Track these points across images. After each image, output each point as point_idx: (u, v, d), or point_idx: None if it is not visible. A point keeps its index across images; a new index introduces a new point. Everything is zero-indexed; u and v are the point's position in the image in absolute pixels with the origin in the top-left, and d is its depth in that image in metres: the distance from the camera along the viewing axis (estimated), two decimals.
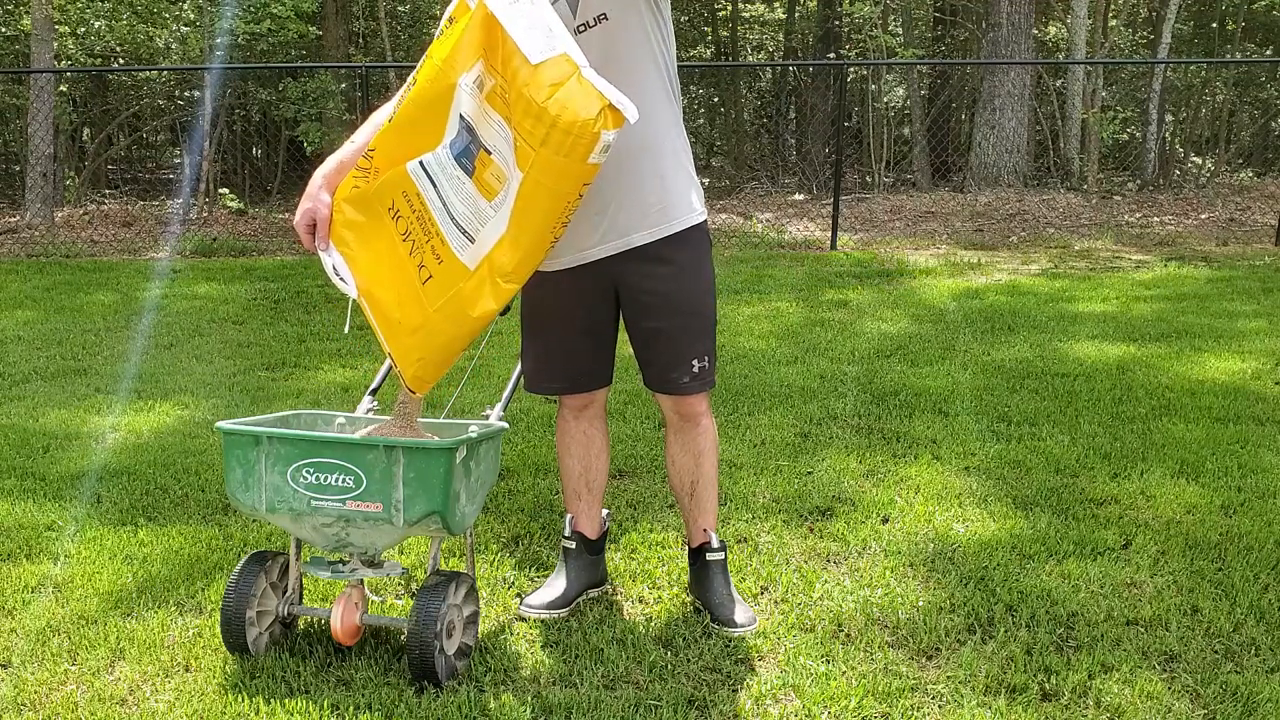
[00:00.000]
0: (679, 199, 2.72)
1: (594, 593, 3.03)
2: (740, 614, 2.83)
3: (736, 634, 2.78)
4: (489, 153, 2.42)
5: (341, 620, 2.60)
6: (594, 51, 2.52)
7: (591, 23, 2.56)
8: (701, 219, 2.78)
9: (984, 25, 13.83)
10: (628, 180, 2.66)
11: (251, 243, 10.17)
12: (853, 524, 3.49)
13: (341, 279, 2.60)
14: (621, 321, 2.87)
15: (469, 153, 2.45)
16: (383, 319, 2.60)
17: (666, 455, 2.95)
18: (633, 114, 2.33)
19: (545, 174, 2.35)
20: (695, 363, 2.78)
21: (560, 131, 2.29)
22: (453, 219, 2.48)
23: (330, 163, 2.70)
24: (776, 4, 20.09)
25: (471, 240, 2.46)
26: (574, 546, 3.01)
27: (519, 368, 3.06)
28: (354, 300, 2.62)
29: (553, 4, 2.52)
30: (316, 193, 2.65)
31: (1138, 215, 11.56)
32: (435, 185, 2.49)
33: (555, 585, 2.96)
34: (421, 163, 2.49)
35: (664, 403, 2.86)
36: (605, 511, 3.12)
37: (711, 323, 2.82)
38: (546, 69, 2.31)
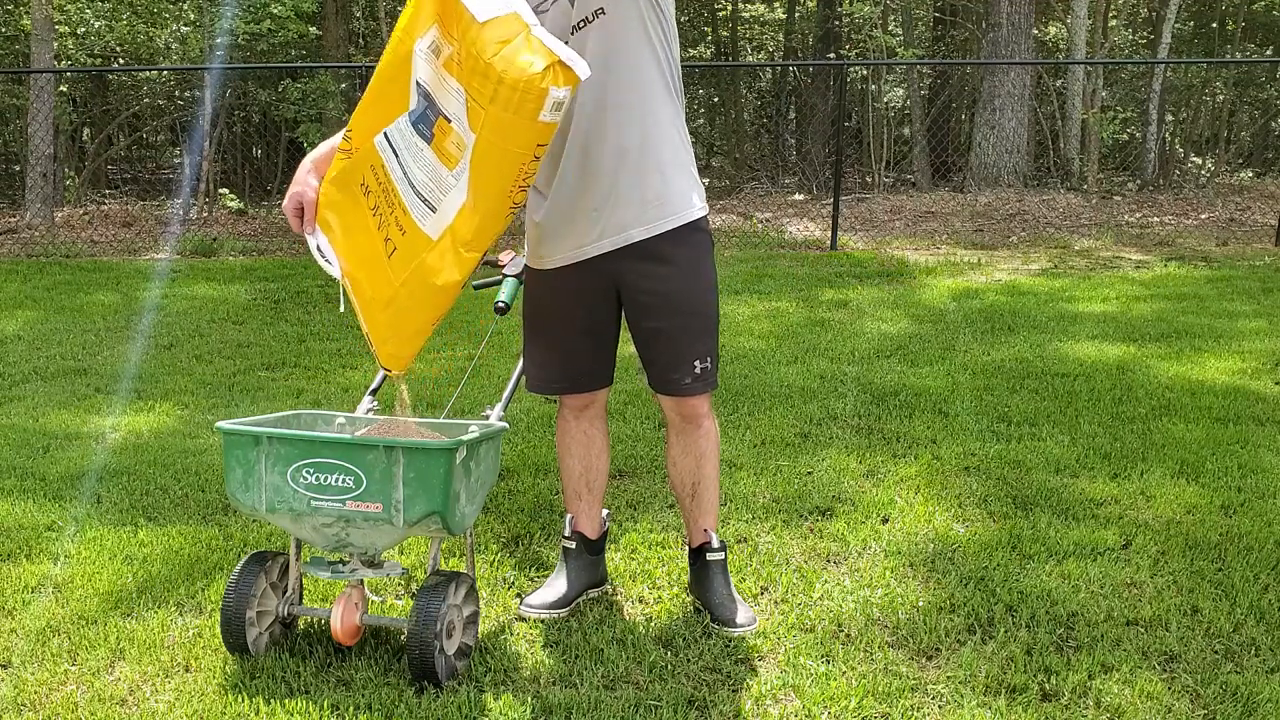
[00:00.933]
0: (678, 196, 2.71)
1: (594, 593, 3.03)
2: (740, 614, 2.83)
3: (736, 634, 2.78)
4: (448, 120, 2.38)
5: (341, 620, 2.60)
6: (592, 46, 2.52)
7: (590, 18, 2.56)
8: (701, 214, 2.76)
9: (984, 25, 13.83)
10: (626, 176, 2.65)
11: (251, 243, 10.17)
12: (853, 524, 3.49)
13: (326, 260, 2.59)
14: (624, 321, 2.87)
15: (426, 119, 2.41)
16: (361, 298, 2.58)
17: (667, 456, 2.95)
18: (583, 71, 2.30)
19: (496, 133, 2.31)
20: (697, 363, 2.77)
21: (507, 88, 2.25)
22: (414, 189, 2.45)
23: (321, 148, 2.71)
24: (776, 4, 20.09)
25: (433, 210, 2.44)
26: (574, 546, 3.01)
27: (519, 368, 3.06)
28: (341, 282, 2.61)
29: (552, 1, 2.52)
30: (304, 177, 2.66)
31: (1138, 215, 11.56)
32: (398, 156, 2.46)
33: (555, 585, 2.96)
34: (385, 134, 2.47)
35: (665, 403, 2.86)
36: (605, 512, 3.12)
37: (713, 323, 2.81)
38: (494, 27, 2.28)
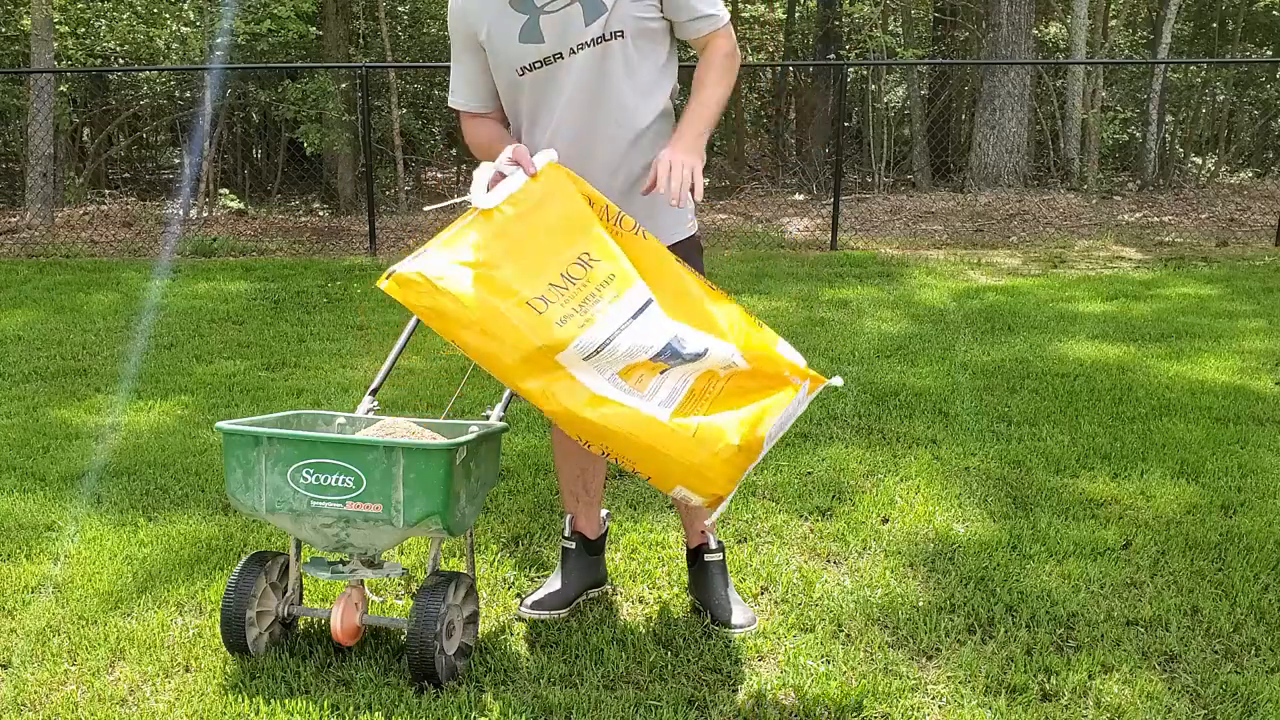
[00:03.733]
0: (672, 216, 2.76)
1: (594, 593, 3.03)
2: (739, 615, 2.83)
3: (736, 634, 2.78)
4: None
5: (341, 621, 2.60)
6: (612, 65, 2.60)
7: (607, 37, 2.59)
8: (691, 234, 2.82)
9: (984, 25, 13.83)
10: (633, 200, 2.69)
11: (251, 243, 10.17)
12: (853, 524, 3.49)
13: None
14: None
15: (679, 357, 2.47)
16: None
17: None
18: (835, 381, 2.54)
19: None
20: None
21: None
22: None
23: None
24: (776, 4, 20.08)
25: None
26: (574, 547, 3.01)
27: None
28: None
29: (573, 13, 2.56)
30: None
31: (1138, 215, 11.56)
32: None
33: (555, 585, 2.96)
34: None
35: None
36: (605, 512, 3.12)
37: None
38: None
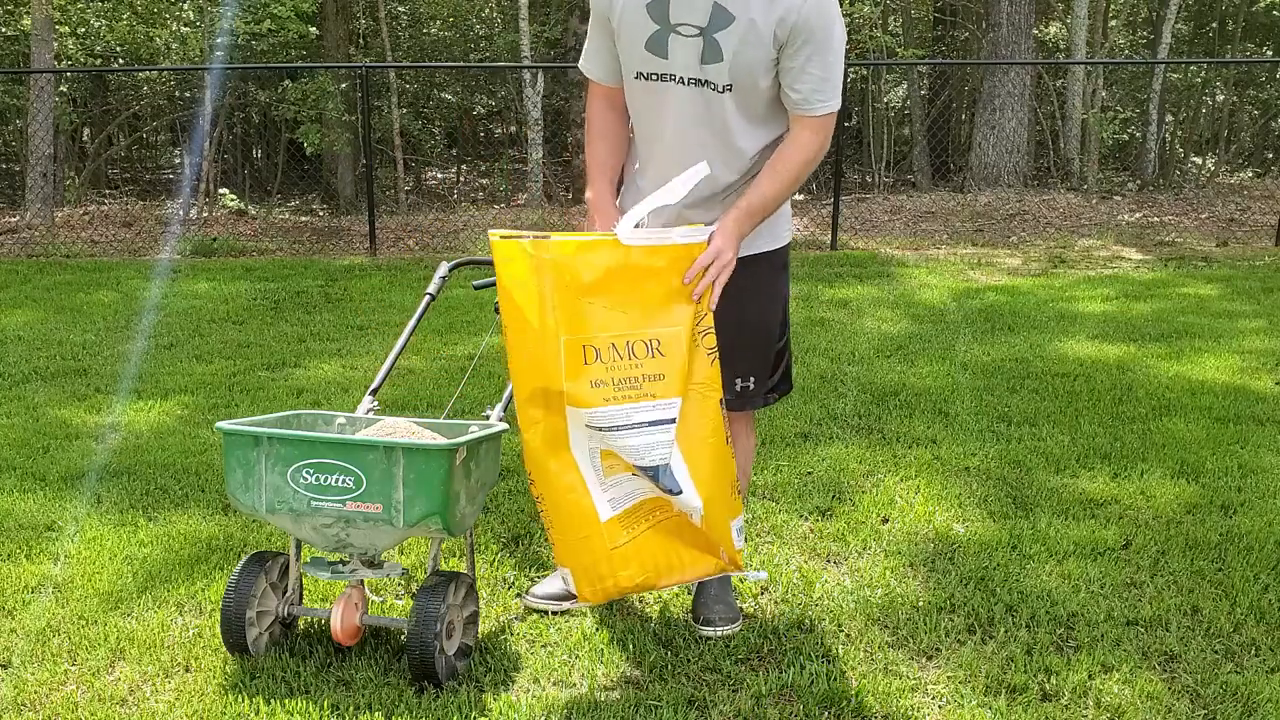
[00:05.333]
0: (780, 221, 2.76)
1: None
2: (718, 615, 2.82)
3: (708, 634, 2.78)
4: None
5: (341, 621, 2.60)
6: (718, 105, 2.57)
7: (719, 89, 2.56)
8: (785, 243, 2.80)
9: (984, 25, 13.83)
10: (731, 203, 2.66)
11: (251, 243, 10.17)
12: (853, 524, 3.49)
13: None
14: None
15: None
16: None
17: None
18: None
19: None
20: (739, 381, 2.76)
21: None
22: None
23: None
24: None
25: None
26: None
27: None
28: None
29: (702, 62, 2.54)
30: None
31: (1138, 215, 11.56)
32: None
33: (560, 577, 2.96)
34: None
35: None
36: None
37: (768, 346, 2.80)
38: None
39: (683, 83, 2.57)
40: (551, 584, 2.98)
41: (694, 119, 2.59)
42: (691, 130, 2.60)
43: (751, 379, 2.78)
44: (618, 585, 2.44)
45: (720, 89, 2.55)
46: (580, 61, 2.78)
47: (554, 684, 2.57)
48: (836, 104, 2.58)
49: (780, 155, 2.59)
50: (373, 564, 2.64)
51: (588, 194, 2.73)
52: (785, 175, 2.57)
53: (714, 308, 2.51)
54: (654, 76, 2.59)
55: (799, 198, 13.34)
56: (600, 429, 2.37)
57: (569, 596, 2.89)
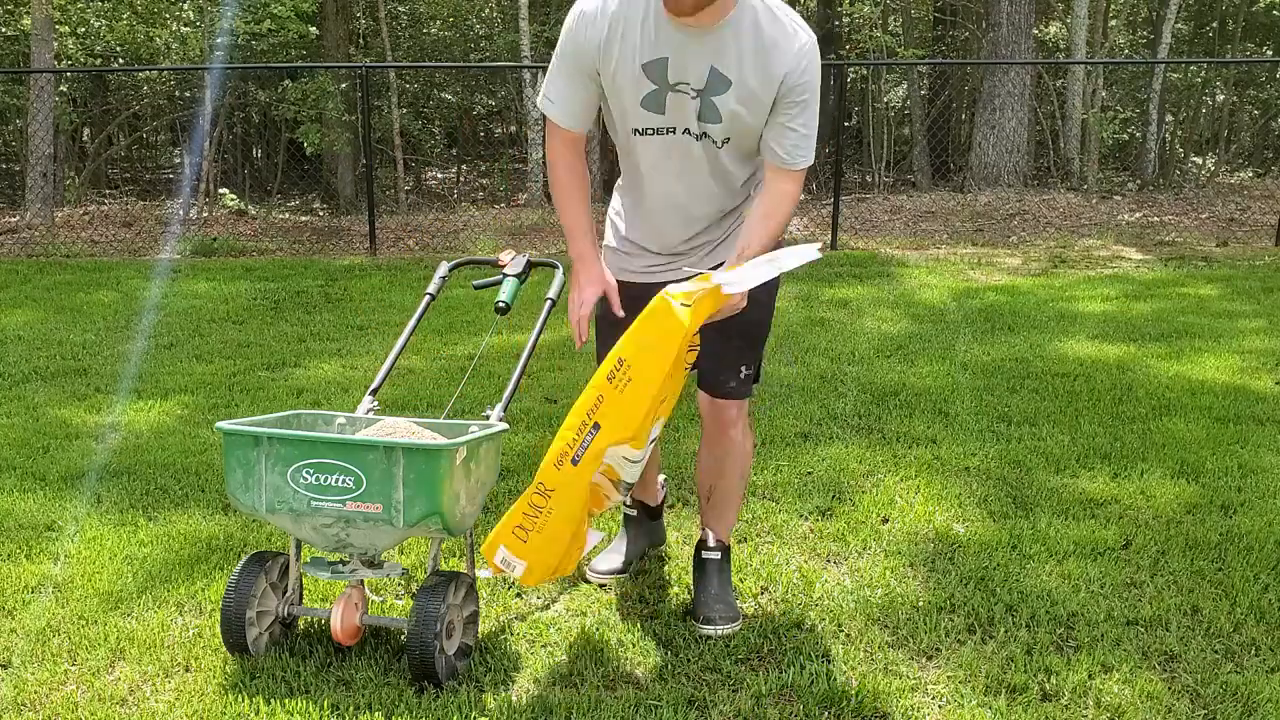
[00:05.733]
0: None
1: (653, 552, 3.29)
2: (718, 615, 2.83)
3: (708, 633, 2.79)
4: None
5: (341, 621, 2.60)
6: (716, 154, 2.70)
7: (718, 143, 2.68)
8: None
9: (984, 25, 13.82)
10: (727, 227, 2.85)
11: (251, 243, 10.17)
12: (853, 524, 3.49)
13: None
14: None
15: None
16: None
17: (697, 455, 3.07)
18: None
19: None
20: (743, 369, 2.89)
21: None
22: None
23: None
24: None
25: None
26: (635, 514, 3.23)
27: (520, 367, 3.06)
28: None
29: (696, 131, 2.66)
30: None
31: (1138, 215, 11.56)
32: None
33: (618, 551, 3.18)
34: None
35: (704, 408, 2.94)
36: (662, 477, 3.30)
37: (761, 339, 2.94)
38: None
39: (680, 134, 2.68)
40: (612, 560, 3.15)
41: (693, 167, 2.72)
42: (690, 176, 2.73)
43: (750, 367, 2.92)
44: (557, 575, 2.62)
45: (719, 143, 2.68)
46: (542, 101, 2.76)
47: (554, 684, 2.57)
48: (813, 157, 2.73)
49: (768, 209, 2.70)
50: (373, 564, 2.64)
51: (572, 251, 2.80)
52: (776, 226, 2.70)
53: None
54: (650, 131, 2.69)
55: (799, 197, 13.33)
56: (635, 461, 2.55)
57: (626, 567, 3.11)
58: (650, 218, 2.85)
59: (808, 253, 2.58)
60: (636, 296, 2.69)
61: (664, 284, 2.64)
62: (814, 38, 2.63)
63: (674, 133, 2.67)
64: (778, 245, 2.74)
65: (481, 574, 2.50)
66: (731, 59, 2.56)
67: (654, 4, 2.55)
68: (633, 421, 2.45)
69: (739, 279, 2.51)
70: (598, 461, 2.44)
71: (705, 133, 2.66)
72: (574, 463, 2.42)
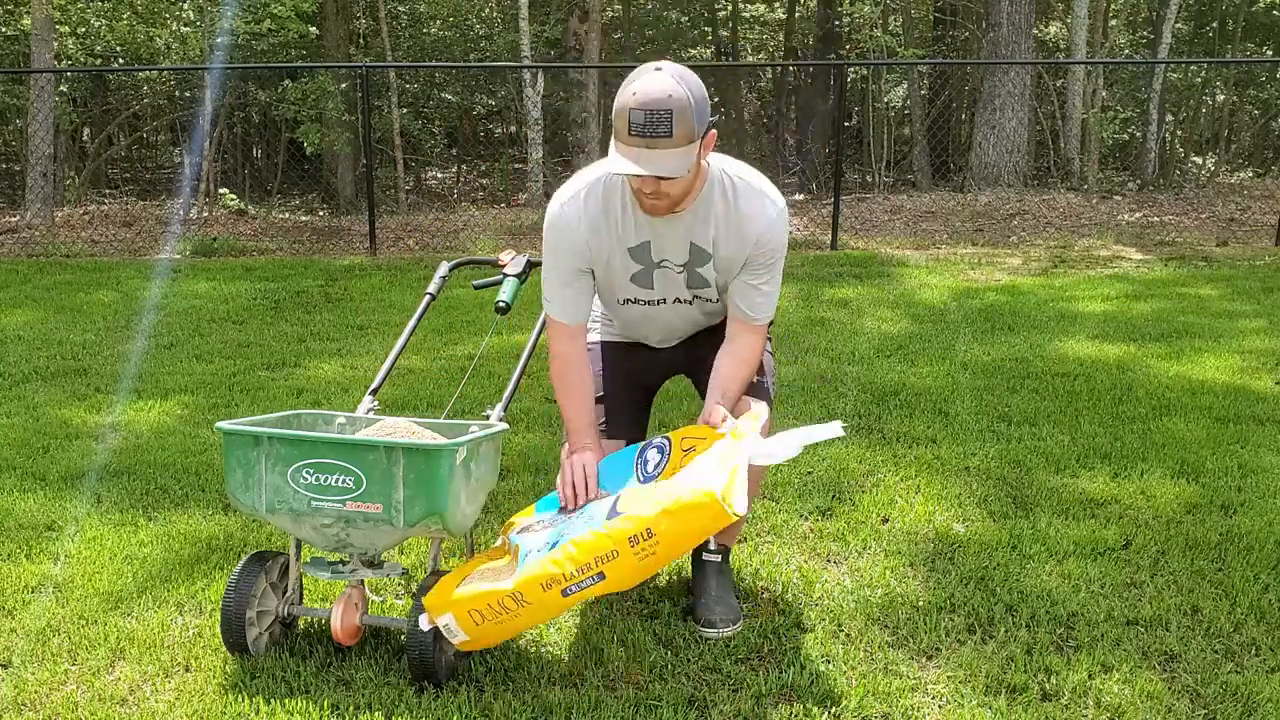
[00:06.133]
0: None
1: None
2: (719, 616, 2.82)
3: (710, 634, 2.79)
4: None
5: (341, 621, 2.60)
6: (712, 304, 2.87)
7: (709, 301, 2.87)
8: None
9: (984, 25, 13.82)
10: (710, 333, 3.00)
11: (251, 243, 10.17)
12: (853, 524, 3.49)
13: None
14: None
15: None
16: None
17: None
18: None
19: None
20: (756, 376, 2.93)
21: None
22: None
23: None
24: (776, 4, 20.09)
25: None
26: None
27: (520, 367, 3.06)
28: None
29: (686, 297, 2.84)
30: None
31: (1138, 215, 11.56)
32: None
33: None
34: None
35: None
36: None
37: (769, 372, 3.01)
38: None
39: (671, 303, 2.85)
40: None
41: (683, 319, 2.92)
42: (676, 324, 2.94)
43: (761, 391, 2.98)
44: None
45: (714, 300, 2.86)
46: (548, 309, 2.85)
47: (554, 684, 2.57)
48: (774, 312, 2.87)
49: (741, 356, 2.83)
50: (373, 564, 2.64)
51: (572, 443, 2.82)
52: (749, 371, 2.84)
53: None
54: (638, 301, 2.87)
55: (799, 197, 13.34)
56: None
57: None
58: (635, 333, 3.03)
59: (834, 430, 2.64)
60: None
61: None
62: (783, 205, 2.75)
63: (664, 302, 2.86)
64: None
65: (420, 622, 2.48)
66: (708, 233, 2.71)
67: (629, 195, 2.69)
68: (635, 581, 2.48)
69: (769, 452, 2.56)
70: (585, 599, 2.47)
71: (696, 296, 2.83)
72: (564, 594, 2.40)
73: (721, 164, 2.71)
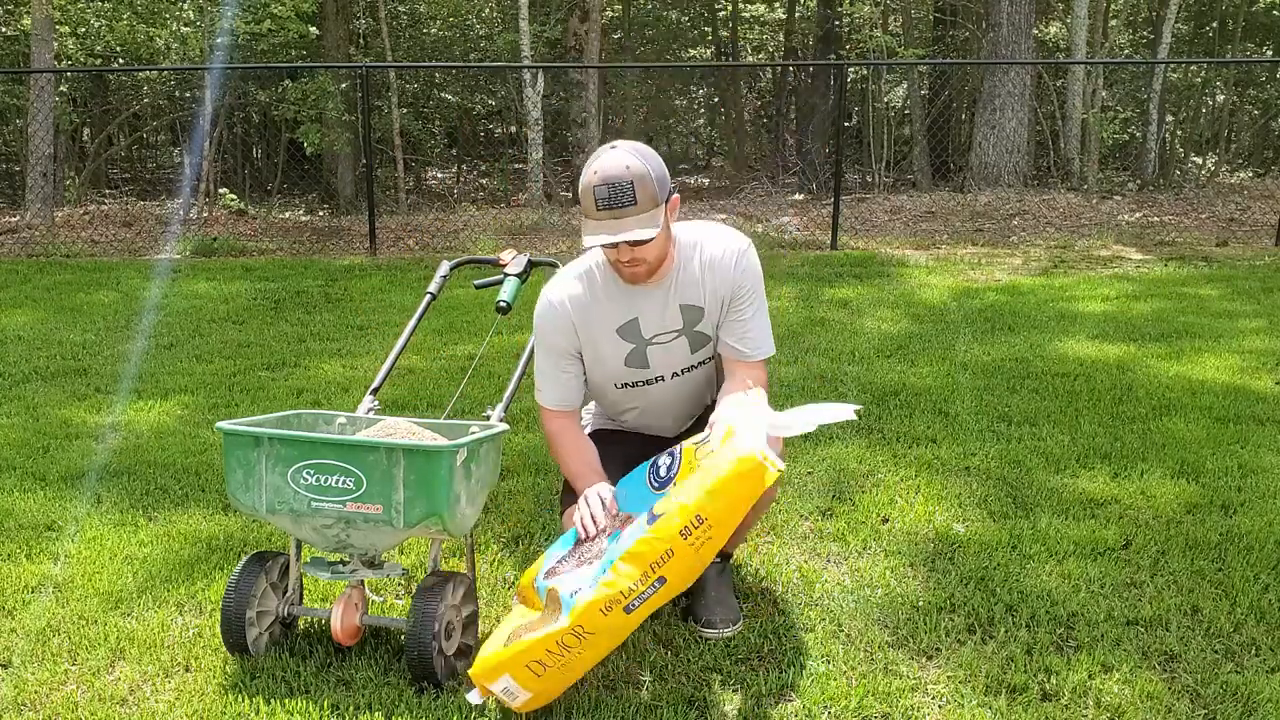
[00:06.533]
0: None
1: None
2: (718, 617, 2.83)
3: (710, 635, 2.79)
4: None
5: (341, 621, 2.60)
6: (698, 375, 2.92)
7: (706, 362, 2.92)
8: None
9: (984, 25, 13.83)
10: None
11: (251, 243, 10.17)
12: (853, 524, 3.49)
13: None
14: None
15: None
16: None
17: None
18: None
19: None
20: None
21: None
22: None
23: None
24: (776, 4, 20.09)
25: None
26: None
27: (520, 367, 3.06)
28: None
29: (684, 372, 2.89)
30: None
31: (1138, 215, 11.56)
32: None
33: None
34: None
35: None
36: None
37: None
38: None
39: (669, 379, 2.87)
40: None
41: (677, 395, 2.93)
42: (673, 402, 2.95)
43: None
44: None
45: (708, 361, 2.90)
46: (540, 398, 2.88)
47: None
48: (772, 347, 2.90)
49: (741, 389, 2.77)
50: (373, 564, 2.64)
51: (580, 489, 2.79)
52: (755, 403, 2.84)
53: None
54: (636, 384, 2.89)
55: (799, 197, 13.34)
56: None
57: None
58: (635, 423, 3.05)
59: (847, 411, 2.62)
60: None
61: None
62: (748, 241, 2.88)
63: (663, 380, 2.88)
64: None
65: (470, 697, 2.43)
66: (692, 289, 2.79)
67: (608, 273, 2.76)
68: (696, 575, 2.43)
69: (784, 424, 2.55)
70: (649, 612, 2.38)
71: (702, 361, 2.88)
72: (627, 610, 2.33)
73: (679, 230, 2.82)
